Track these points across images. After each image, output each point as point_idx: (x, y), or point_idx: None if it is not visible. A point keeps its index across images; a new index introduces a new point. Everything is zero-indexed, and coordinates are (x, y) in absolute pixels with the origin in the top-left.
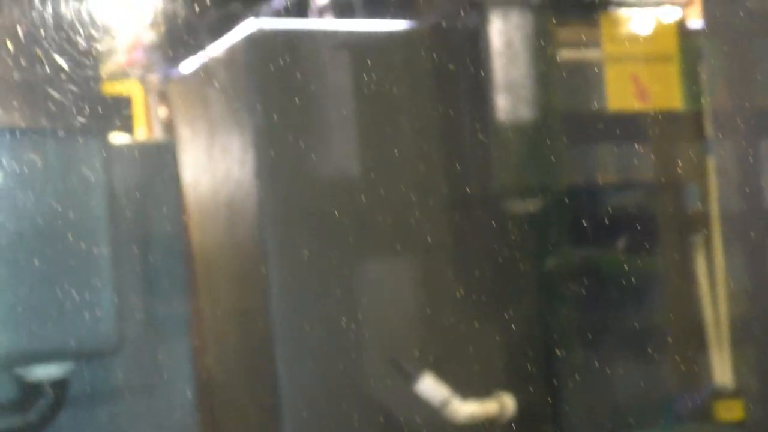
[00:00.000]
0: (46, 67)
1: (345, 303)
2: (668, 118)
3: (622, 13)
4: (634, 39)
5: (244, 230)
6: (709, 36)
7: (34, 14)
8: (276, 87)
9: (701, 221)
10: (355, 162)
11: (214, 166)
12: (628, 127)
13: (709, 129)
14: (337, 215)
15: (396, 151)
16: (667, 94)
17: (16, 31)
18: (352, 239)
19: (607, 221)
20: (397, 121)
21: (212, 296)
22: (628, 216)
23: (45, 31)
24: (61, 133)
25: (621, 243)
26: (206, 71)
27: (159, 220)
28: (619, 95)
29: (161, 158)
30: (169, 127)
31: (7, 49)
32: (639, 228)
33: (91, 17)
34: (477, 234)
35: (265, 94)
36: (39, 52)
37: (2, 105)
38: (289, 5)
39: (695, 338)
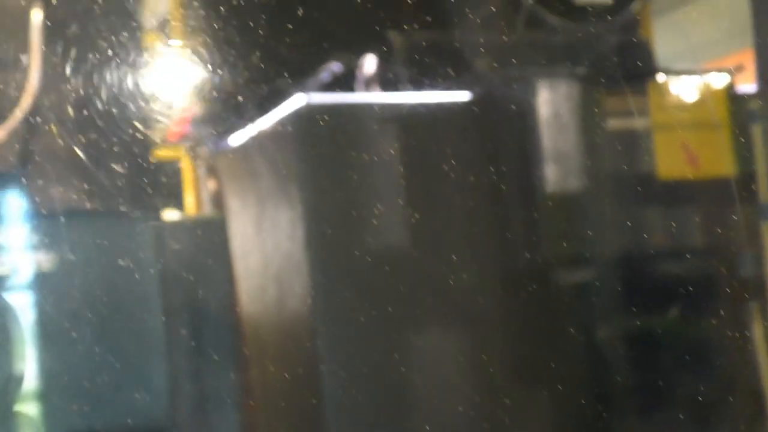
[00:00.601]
0: (96, 144)
1: (394, 376)
2: (720, 183)
3: (670, 81)
4: (682, 106)
5: (293, 304)
6: (760, 100)
7: (82, 90)
8: (324, 160)
9: (757, 287)
10: (403, 234)
11: (263, 240)
12: (680, 193)
13: (762, 194)
14: (386, 288)
15: (444, 222)
16: (718, 160)
17: (66, 108)
18: (401, 312)
19: (660, 288)
20: (444, 193)
21: (262, 369)
22: (682, 283)
23: (92, 106)
24: (111, 211)
25: (675, 310)
26: (255, 144)
27: (209, 294)
28: (670, 163)
29: (211, 233)
30: (218, 199)
31: (57, 126)
32: (693, 295)
33: (139, 91)
34: (526, 305)
35: (314, 167)
36: (80, 137)
37: (52, 184)
38: (336, 79)
39: (754, 407)
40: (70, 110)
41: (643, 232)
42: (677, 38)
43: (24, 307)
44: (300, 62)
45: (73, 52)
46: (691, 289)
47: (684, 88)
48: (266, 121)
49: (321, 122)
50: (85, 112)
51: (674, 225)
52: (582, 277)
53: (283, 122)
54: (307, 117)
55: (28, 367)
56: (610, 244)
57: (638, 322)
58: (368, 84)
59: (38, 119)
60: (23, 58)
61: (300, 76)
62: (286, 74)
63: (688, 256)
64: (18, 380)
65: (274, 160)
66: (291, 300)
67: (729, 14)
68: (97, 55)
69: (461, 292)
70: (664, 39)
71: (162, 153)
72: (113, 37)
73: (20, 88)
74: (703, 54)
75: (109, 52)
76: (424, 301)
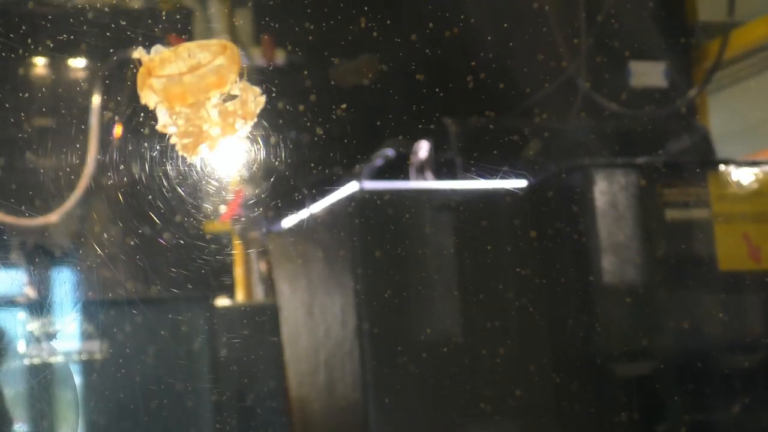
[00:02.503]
0: (149, 227)
1: None
2: None
3: (730, 172)
4: (743, 198)
5: (343, 390)
6: None
7: (136, 172)
8: (377, 246)
9: None
10: (456, 323)
11: (314, 325)
12: (741, 285)
13: None
14: (438, 377)
15: (498, 311)
16: None
17: (119, 190)
18: (454, 401)
19: (723, 383)
20: (499, 281)
21: None
22: (744, 377)
23: (146, 189)
24: (162, 296)
25: (736, 406)
26: (307, 229)
27: (260, 377)
28: (731, 255)
29: (263, 319)
30: (269, 282)
31: (110, 208)
32: (755, 388)
33: (193, 172)
34: (583, 397)
35: (366, 253)
36: (132, 220)
37: (104, 268)
38: (389, 164)
39: None
40: (124, 193)
41: (703, 324)
42: (734, 120)
43: (74, 391)
44: (354, 147)
45: (128, 135)
46: (753, 383)
47: (745, 179)
48: (319, 206)
49: (374, 208)
50: (138, 195)
51: (735, 316)
52: (640, 370)
53: (336, 207)
54: (360, 203)
55: None
56: (669, 336)
57: (698, 416)
58: (422, 170)
59: (93, 203)
60: (81, 141)
61: (354, 161)
62: (340, 159)
63: (750, 349)
64: None
65: (326, 245)
66: (341, 386)
67: None
68: (151, 139)
69: (515, 381)
70: (720, 121)
71: (214, 234)
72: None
73: (76, 171)
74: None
75: (164, 135)
76: (477, 391)
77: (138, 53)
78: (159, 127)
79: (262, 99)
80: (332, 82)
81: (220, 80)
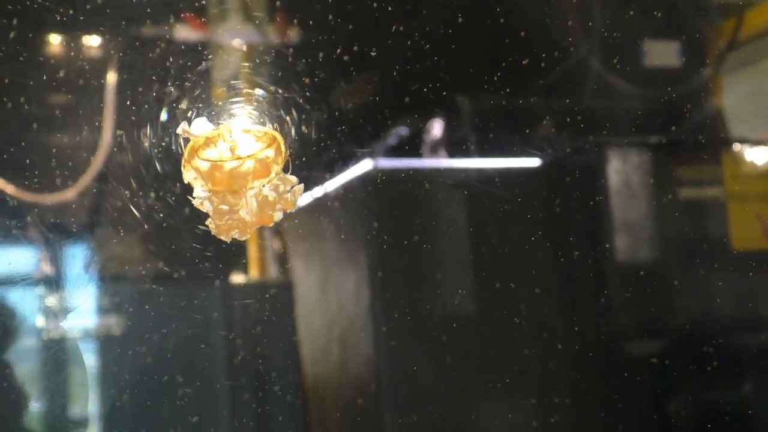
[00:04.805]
0: (164, 205)
1: None
2: None
3: (744, 151)
4: (757, 177)
5: (357, 366)
6: None
7: (151, 150)
8: (390, 224)
9: None
10: (469, 300)
11: (328, 301)
12: (754, 264)
13: None
14: (451, 353)
15: (511, 289)
16: None
17: (135, 169)
18: (466, 378)
19: (734, 362)
20: (512, 259)
21: (326, 430)
22: (757, 357)
23: (160, 167)
24: (177, 274)
25: (748, 386)
26: (321, 207)
27: (275, 354)
28: (744, 234)
29: (277, 296)
30: (283, 261)
31: (126, 187)
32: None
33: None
34: (594, 377)
35: (380, 230)
36: (148, 199)
37: (120, 246)
38: (403, 142)
39: None
40: (140, 171)
41: (716, 303)
42: (749, 99)
43: (88, 369)
44: (368, 125)
45: (144, 112)
46: (766, 362)
47: (760, 158)
48: (333, 183)
49: (388, 186)
50: (154, 173)
51: (747, 295)
52: (652, 349)
53: (350, 185)
54: (374, 180)
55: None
56: (682, 315)
57: (710, 396)
58: (435, 148)
59: (109, 180)
60: (96, 118)
61: (368, 139)
62: (353, 137)
63: (761, 328)
64: (80, 424)
65: (340, 222)
66: (354, 362)
67: None
68: (168, 115)
69: (528, 359)
70: (735, 101)
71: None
72: (184, 95)
73: (92, 148)
74: None
75: (181, 110)
76: (489, 368)
77: (181, 130)
78: (195, 201)
79: (300, 188)
80: (334, 110)
81: (265, 171)
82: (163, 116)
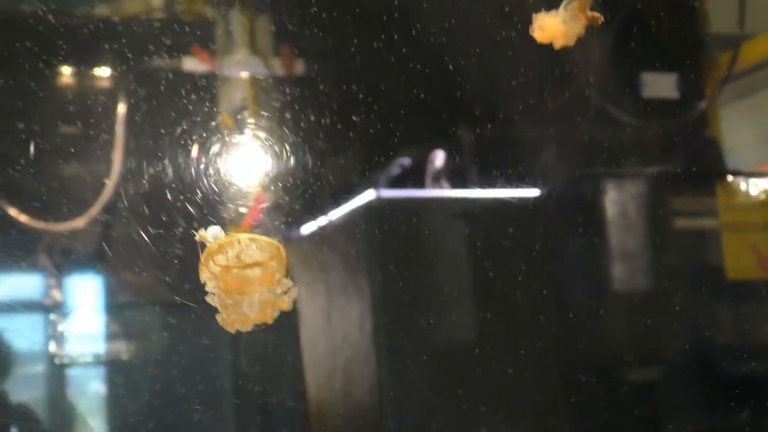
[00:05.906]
0: (171, 232)
1: None
2: None
3: (740, 182)
4: (752, 208)
5: (360, 393)
6: None
7: (159, 179)
8: (393, 253)
9: None
10: (470, 328)
11: (332, 329)
12: (749, 294)
13: None
14: (452, 381)
15: (510, 317)
16: None
17: (144, 197)
18: (468, 404)
19: (729, 389)
20: (511, 288)
21: None
22: (752, 385)
23: (169, 195)
24: (184, 302)
25: (745, 414)
26: (325, 236)
27: (280, 381)
28: (739, 264)
29: (282, 324)
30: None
31: (135, 215)
32: (764, 397)
33: (214, 179)
34: (591, 402)
35: (383, 260)
36: (156, 226)
37: (129, 273)
38: (406, 173)
39: None
40: (148, 200)
41: (712, 331)
42: (745, 131)
43: (98, 394)
44: (371, 156)
45: (151, 143)
46: (761, 390)
47: (754, 189)
48: (337, 213)
49: (390, 215)
50: (162, 202)
51: (743, 325)
52: (650, 376)
53: (353, 214)
54: (377, 210)
55: None
56: (678, 344)
57: (706, 424)
58: (437, 179)
59: (118, 209)
60: (106, 149)
61: (371, 170)
62: (357, 167)
63: (760, 357)
64: None
65: (343, 251)
66: (358, 390)
67: None
68: (174, 146)
69: (525, 386)
70: (731, 132)
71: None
72: (191, 129)
73: (103, 178)
74: None
75: (187, 142)
76: (489, 396)
77: (200, 236)
78: (207, 297)
79: (296, 290)
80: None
81: (269, 278)
82: (173, 147)
